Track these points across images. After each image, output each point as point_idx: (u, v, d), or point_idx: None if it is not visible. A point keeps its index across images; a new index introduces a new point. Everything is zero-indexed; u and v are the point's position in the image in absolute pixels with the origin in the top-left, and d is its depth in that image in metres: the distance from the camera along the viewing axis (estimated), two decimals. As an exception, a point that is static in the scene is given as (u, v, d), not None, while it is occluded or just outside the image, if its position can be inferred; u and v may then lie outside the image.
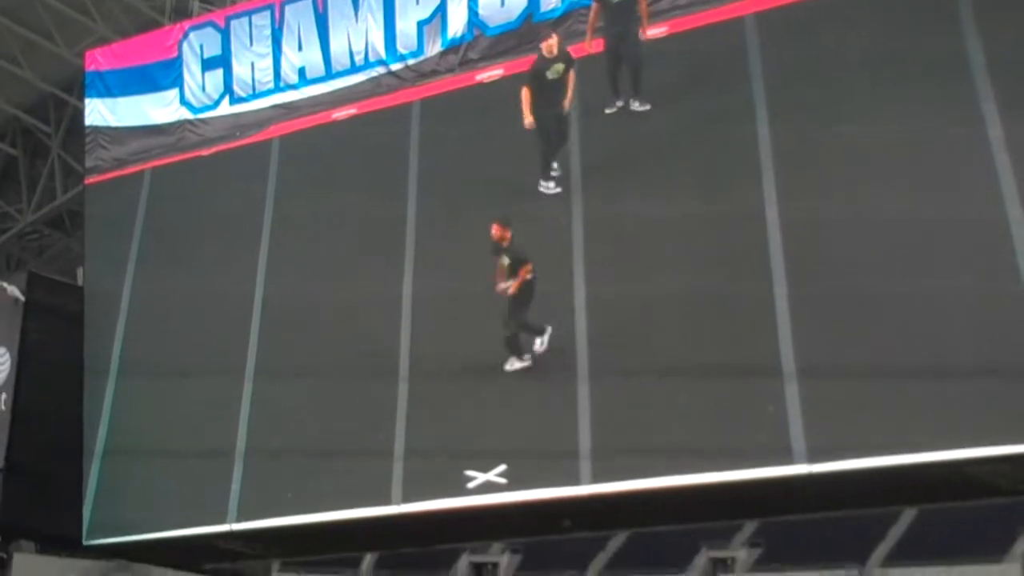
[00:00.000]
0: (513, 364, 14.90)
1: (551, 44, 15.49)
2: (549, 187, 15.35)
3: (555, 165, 15.37)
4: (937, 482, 13.00)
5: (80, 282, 20.69)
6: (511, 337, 14.97)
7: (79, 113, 21.47)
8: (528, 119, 15.37)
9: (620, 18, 15.42)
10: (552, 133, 15.46)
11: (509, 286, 14.92)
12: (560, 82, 15.40)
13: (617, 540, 17.09)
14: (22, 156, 26.98)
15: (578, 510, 14.79)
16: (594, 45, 15.48)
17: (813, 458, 12.94)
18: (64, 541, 18.95)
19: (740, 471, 13.31)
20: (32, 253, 27.75)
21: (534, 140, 15.47)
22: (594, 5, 15.56)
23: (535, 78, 15.49)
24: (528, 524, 15.67)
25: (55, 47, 23.64)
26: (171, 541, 17.23)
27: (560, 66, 15.45)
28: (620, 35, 15.41)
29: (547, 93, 15.44)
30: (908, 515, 15.18)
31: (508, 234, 15.05)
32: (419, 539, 16.67)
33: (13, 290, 20.19)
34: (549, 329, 14.68)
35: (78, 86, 22.09)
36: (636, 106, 15.18)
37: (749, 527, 16.34)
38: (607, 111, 15.32)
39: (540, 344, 14.79)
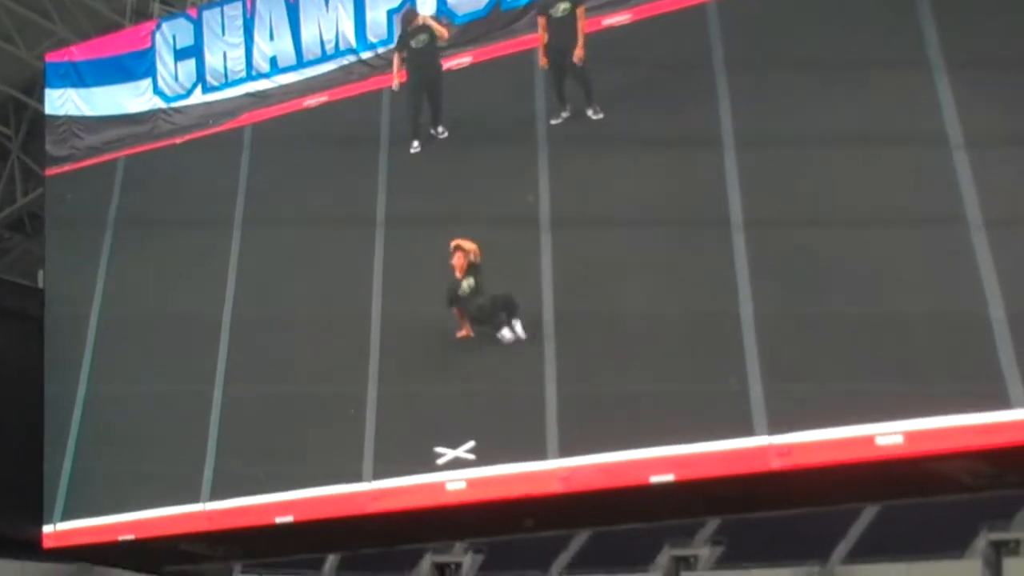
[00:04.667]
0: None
1: None
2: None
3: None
4: (899, 478, 13.68)
5: (41, 285, 21.33)
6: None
7: (39, 116, 22.09)
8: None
9: (562, 33, 16.23)
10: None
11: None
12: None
13: (579, 539, 17.89)
14: (-20, 159, 27.68)
15: (541, 508, 15.53)
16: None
17: (773, 430, 13.76)
18: (25, 545, 19.48)
19: (701, 443, 14.10)
20: (-8, 256, 28.36)
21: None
22: (540, 19, 16.43)
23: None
24: (491, 523, 16.46)
25: (15, 49, 24.38)
26: (133, 544, 17.90)
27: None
28: (563, 50, 16.19)
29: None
30: (870, 512, 15.91)
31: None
32: (382, 539, 17.44)
33: (-27, 295, 20.84)
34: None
35: (38, 88, 22.71)
36: (591, 114, 16.01)
37: (711, 525, 17.10)
38: (552, 121, 16.19)
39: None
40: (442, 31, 17.04)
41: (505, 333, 15.58)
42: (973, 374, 12.99)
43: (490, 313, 15.70)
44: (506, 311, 15.61)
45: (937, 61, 13.91)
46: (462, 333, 15.89)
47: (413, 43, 17.17)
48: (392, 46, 17.39)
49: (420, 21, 17.06)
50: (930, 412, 13.06)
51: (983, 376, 12.89)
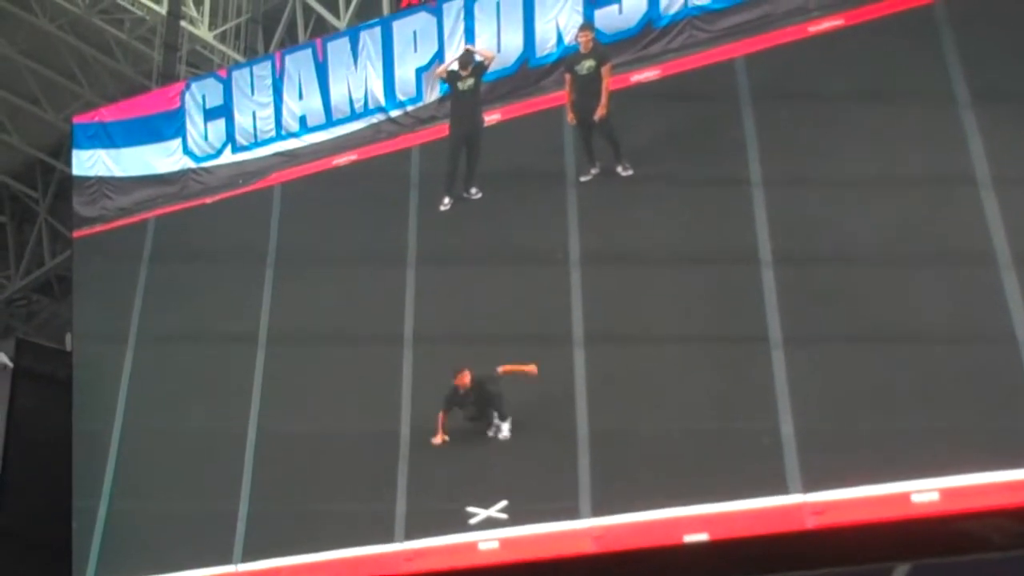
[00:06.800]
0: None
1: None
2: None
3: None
4: (930, 537, 13.59)
5: (69, 348, 21.21)
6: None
7: (67, 178, 22.31)
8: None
9: (587, 91, 16.41)
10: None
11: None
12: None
13: (614, 602, 17.89)
14: (9, 222, 28.04)
15: (575, 568, 15.29)
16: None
17: (808, 488, 13.82)
18: (53, 608, 19.52)
19: (735, 502, 14.15)
20: (20, 319, 28.57)
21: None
22: (567, 76, 16.65)
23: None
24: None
25: (42, 112, 24.69)
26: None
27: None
28: (588, 108, 16.37)
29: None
30: (900, 572, 15.95)
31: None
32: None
33: (1, 356, 20.88)
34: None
35: (65, 151, 22.99)
36: (620, 171, 16.15)
37: (742, 586, 17.10)
38: (582, 179, 16.32)
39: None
40: (488, 54, 17.20)
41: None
42: (1009, 432, 13.07)
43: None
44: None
45: (985, 179, 14.05)
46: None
47: (460, 85, 17.35)
48: (420, 104, 17.69)
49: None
50: (965, 470, 13.10)
51: (1019, 433, 12.98)
